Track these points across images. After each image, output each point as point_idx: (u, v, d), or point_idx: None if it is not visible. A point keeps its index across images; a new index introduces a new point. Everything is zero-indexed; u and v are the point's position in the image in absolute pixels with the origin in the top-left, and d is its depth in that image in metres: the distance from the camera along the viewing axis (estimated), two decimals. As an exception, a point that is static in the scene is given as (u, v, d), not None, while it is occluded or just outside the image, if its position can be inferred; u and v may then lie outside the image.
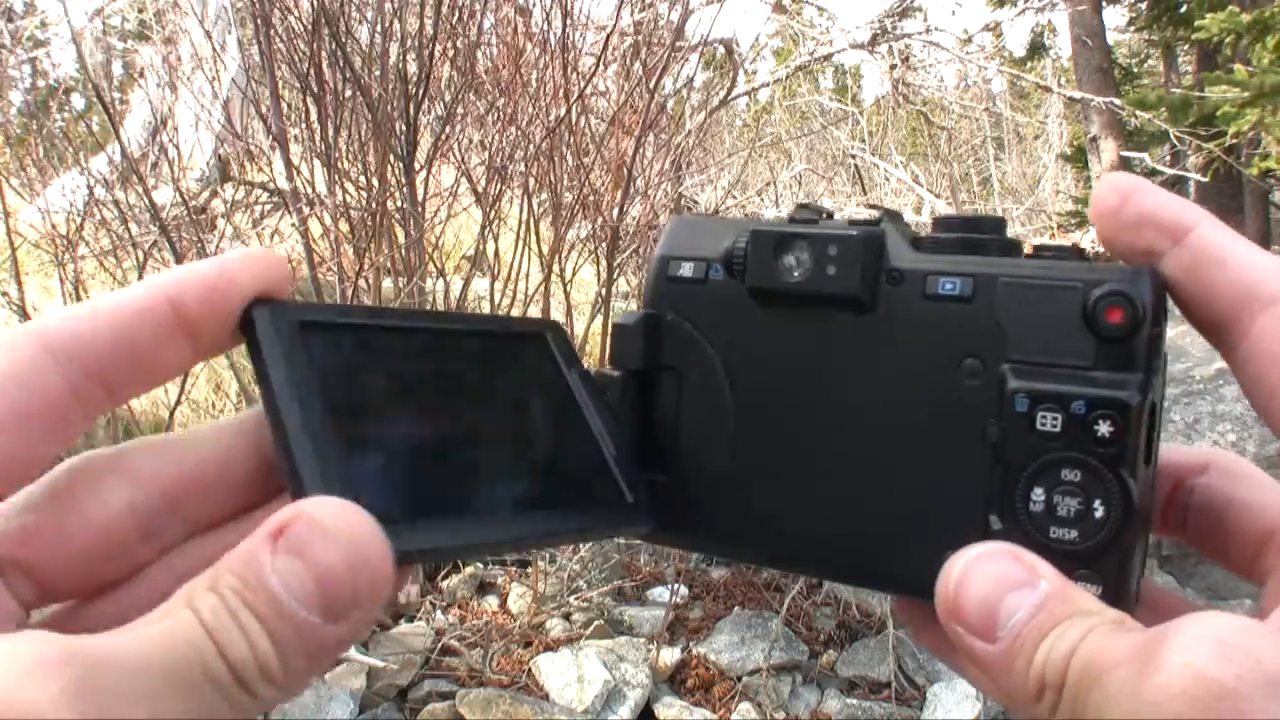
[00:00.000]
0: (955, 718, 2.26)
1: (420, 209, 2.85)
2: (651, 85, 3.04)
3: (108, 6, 5.00)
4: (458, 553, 0.34)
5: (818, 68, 8.73)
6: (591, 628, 2.40)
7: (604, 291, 3.05)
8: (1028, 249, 0.36)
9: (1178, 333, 3.33)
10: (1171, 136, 6.26)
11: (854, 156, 6.29)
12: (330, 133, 2.76)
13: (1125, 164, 7.09)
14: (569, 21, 2.96)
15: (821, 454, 0.37)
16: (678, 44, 3.22)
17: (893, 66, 5.86)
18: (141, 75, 4.49)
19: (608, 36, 3.12)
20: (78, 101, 6.69)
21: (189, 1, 3.89)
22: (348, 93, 2.84)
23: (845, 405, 0.36)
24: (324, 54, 2.70)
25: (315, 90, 2.71)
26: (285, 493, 0.33)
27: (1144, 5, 8.61)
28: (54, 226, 2.85)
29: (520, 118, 2.96)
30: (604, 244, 3.03)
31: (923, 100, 7.44)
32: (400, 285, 2.80)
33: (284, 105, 2.98)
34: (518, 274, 3.09)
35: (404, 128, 2.74)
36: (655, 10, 3.52)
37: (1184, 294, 0.33)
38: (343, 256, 2.67)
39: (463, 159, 3.10)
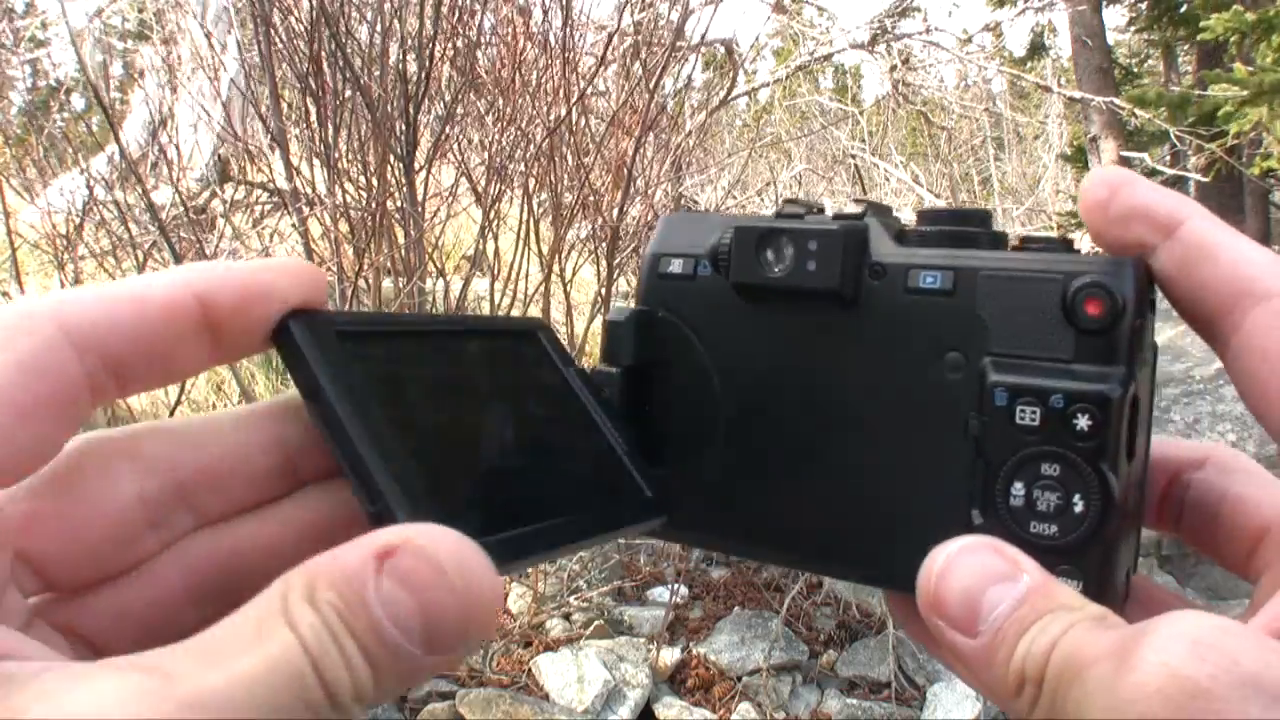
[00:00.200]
0: (955, 718, 2.26)
1: (420, 209, 2.85)
2: (651, 85, 3.04)
3: (108, 7, 5.00)
4: (526, 566, 0.34)
5: (818, 68, 8.73)
6: (591, 628, 2.40)
7: (604, 291, 3.05)
8: (1015, 241, 0.35)
9: (1177, 333, 3.33)
10: (1172, 136, 6.26)
11: (854, 156, 6.29)
12: (330, 133, 2.76)
13: (1125, 164, 7.08)
14: (569, 22, 2.96)
15: (807, 449, 0.37)
16: (678, 44, 3.22)
17: (893, 67, 5.86)
18: (141, 75, 4.49)
19: (608, 37, 3.11)
20: (78, 102, 6.70)
21: (189, 1, 3.89)
22: (347, 93, 2.84)
23: (830, 400, 0.36)
24: (324, 54, 2.70)
25: (315, 90, 2.71)
26: (305, 487, 0.33)
27: (1144, 5, 8.61)
28: (54, 227, 2.85)
29: (520, 118, 2.96)
30: (604, 244, 3.03)
31: (923, 100, 7.44)
32: (400, 285, 2.80)
33: (284, 105, 2.98)
34: (518, 274, 3.09)
35: (404, 128, 2.73)
36: (655, 10, 3.52)
37: (1175, 289, 0.32)
38: (342, 256, 2.67)
39: (463, 159, 3.10)
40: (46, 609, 0.28)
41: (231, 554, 0.31)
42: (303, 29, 2.75)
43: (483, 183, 3.01)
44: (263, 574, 0.32)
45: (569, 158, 3.12)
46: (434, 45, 2.78)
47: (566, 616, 2.49)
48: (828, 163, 7.05)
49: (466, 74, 3.03)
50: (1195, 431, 3.17)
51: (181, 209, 2.89)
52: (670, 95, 3.61)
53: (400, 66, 2.76)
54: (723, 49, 4.90)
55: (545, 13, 3.12)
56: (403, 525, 0.25)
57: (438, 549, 0.25)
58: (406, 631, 0.24)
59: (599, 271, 3.11)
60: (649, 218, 3.27)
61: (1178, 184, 6.79)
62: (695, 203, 4.42)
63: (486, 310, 3.07)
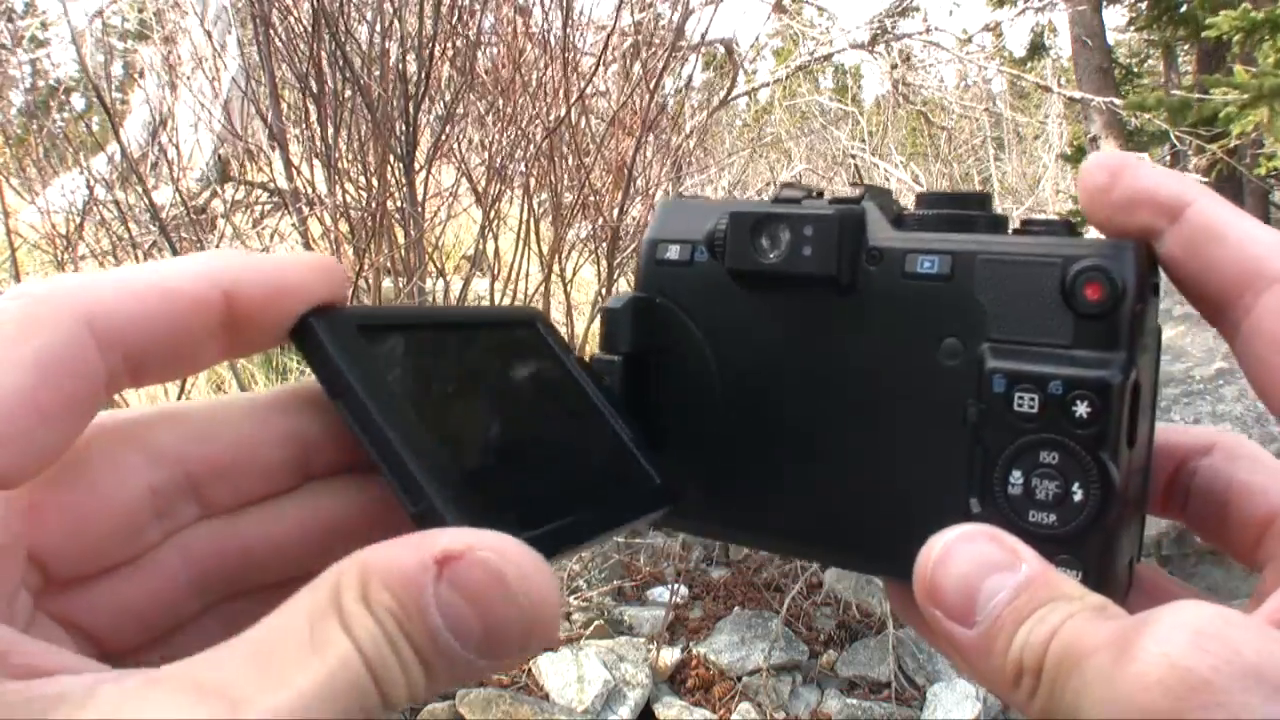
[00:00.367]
0: (955, 718, 2.26)
1: (420, 209, 2.85)
2: (652, 85, 3.03)
3: (108, 7, 5.00)
4: (561, 560, 0.34)
5: (818, 68, 8.73)
6: (591, 628, 2.40)
7: (604, 291, 3.05)
8: (1016, 224, 0.35)
9: (1177, 333, 3.33)
10: (1172, 137, 6.26)
11: (854, 156, 6.29)
12: (330, 133, 2.76)
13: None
14: (569, 21, 2.96)
15: (804, 436, 0.36)
16: (678, 44, 3.22)
17: (894, 66, 5.85)
18: (141, 75, 4.49)
19: (608, 36, 3.11)
20: (78, 102, 6.70)
21: (189, 1, 3.89)
22: (347, 93, 2.84)
23: (827, 387, 0.36)
24: (324, 54, 2.70)
25: (315, 90, 2.71)
26: (315, 480, 0.33)
27: (1144, 5, 8.61)
28: (54, 226, 2.85)
29: (520, 117, 2.96)
30: (604, 244, 3.03)
31: (923, 100, 7.44)
32: (400, 285, 2.79)
33: (284, 105, 2.98)
34: (518, 274, 3.08)
35: (404, 128, 2.73)
36: (655, 10, 3.52)
37: (1182, 273, 0.31)
38: (342, 256, 2.67)
39: (463, 159, 3.10)
40: (43, 600, 0.27)
41: (237, 546, 0.31)
42: (302, 29, 2.75)
43: (483, 183, 3.01)
44: (268, 567, 0.31)
45: (569, 158, 3.12)
46: (434, 45, 2.78)
47: (566, 616, 2.49)
48: (828, 163, 7.05)
49: (466, 74, 3.03)
50: (1195, 431, 3.16)
51: (182, 209, 2.89)
52: (670, 95, 3.61)
53: (400, 66, 2.76)
54: (723, 49, 4.90)
55: (545, 12, 3.12)
56: (460, 530, 0.25)
57: (503, 561, 0.24)
58: (464, 639, 0.24)
59: (599, 271, 3.11)
60: (649, 218, 3.27)
61: (1178, 184, 6.74)
62: (695, 203, 4.41)
63: (486, 310, 3.07)
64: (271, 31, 2.71)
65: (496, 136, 2.97)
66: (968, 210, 0.35)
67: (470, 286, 3.07)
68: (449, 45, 2.98)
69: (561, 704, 2.14)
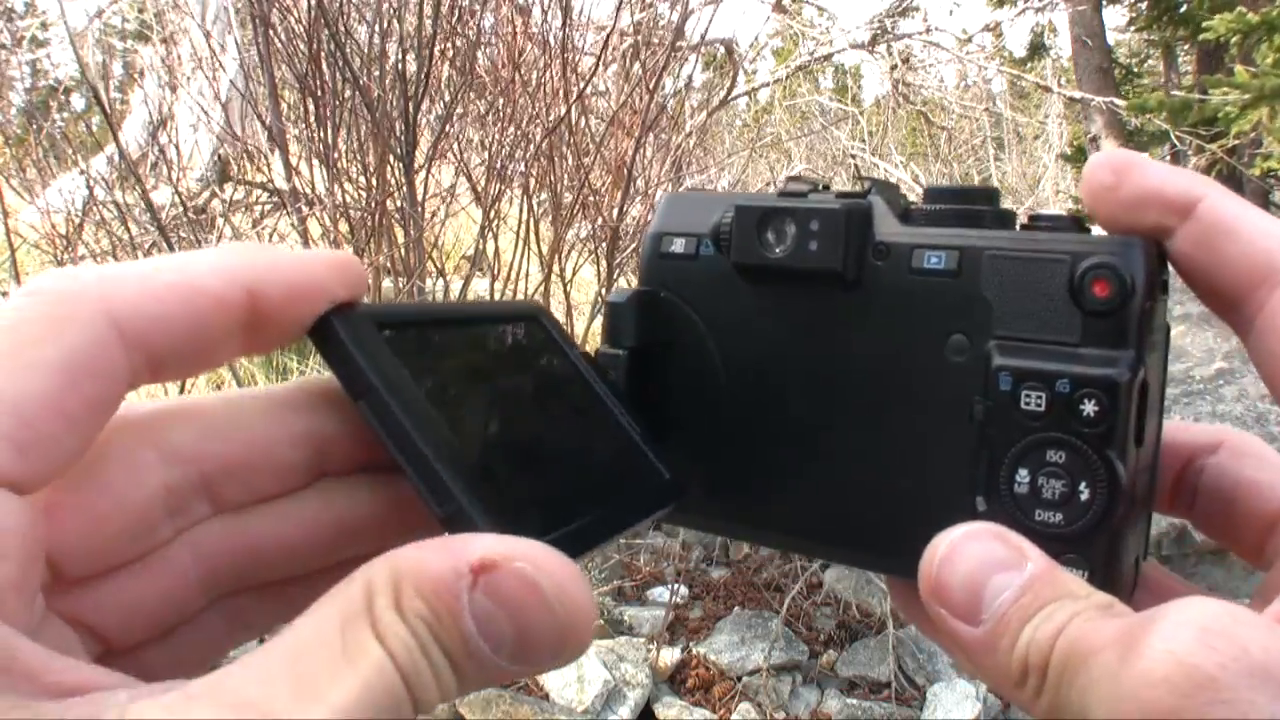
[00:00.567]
0: (955, 718, 2.26)
1: (420, 209, 2.85)
2: (651, 85, 3.03)
3: (108, 7, 5.00)
4: (584, 560, 0.34)
5: (818, 68, 8.73)
6: (591, 628, 2.40)
7: (604, 291, 3.05)
8: (1023, 219, 0.34)
9: (1177, 333, 3.33)
10: (1172, 137, 6.26)
11: (854, 156, 6.29)
12: (329, 133, 2.76)
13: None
14: (569, 21, 2.96)
15: (810, 432, 0.36)
16: (677, 44, 3.22)
17: (893, 67, 5.85)
18: (141, 75, 4.49)
19: (607, 36, 3.11)
20: (78, 102, 6.70)
21: (189, 2, 3.89)
22: (347, 93, 2.84)
23: (833, 383, 0.36)
24: (323, 54, 2.70)
25: (314, 90, 2.71)
26: (327, 478, 0.32)
27: (1144, 5, 8.61)
28: (54, 227, 2.85)
29: (520, 117, 2.96)
30: (604, 244, 3.03)
31: (923, 100, 7.44)
32: (400, 285, 2.79)
33: (283, 105, 2.98)
34: (518, 274, 3.08)
35: (403, 127, 2.73)
36: (655, 10, 3.52)
37: (1194, 270, 0.31)
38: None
39: (462, 159, 3.10)
40: (51, 599, 0.27)
41: (247, 543, 0.31)
42: (302, 29, 2.75)
43: (482, 182, 3.01)
44: (276, 564, 0.31)
45: (569, 157, 3.12)
46: (433, 45, 2.78)
47: (566, 617, 2.49)
48: (828, 163, 7.05)
49: (466, 74, 3.03)
50: (1195, 431, 3.16)
51: (181, 209, 2.89)
52: (670, 95, 3.61)
53: (400, 66, 2.76)
54: (723, 49, 4.90)
55: (545, 12, 3.12)
56: (494, 538, 0.25)
57: (538, 571, 0.24)
58: (498, 646, 0.24)
59: (599, 271, 3.11)
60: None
61: (1178, 184, 6.75)
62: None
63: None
64: (271, 32, 2.71)
65: (496, 136, 2.97)
66: (975, 205, 0.34)
67: (470, 286, 3.07)
68: (448, 45, 2.98)
69: (561, 704, 2.14)
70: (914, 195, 0.37)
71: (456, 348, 0.35)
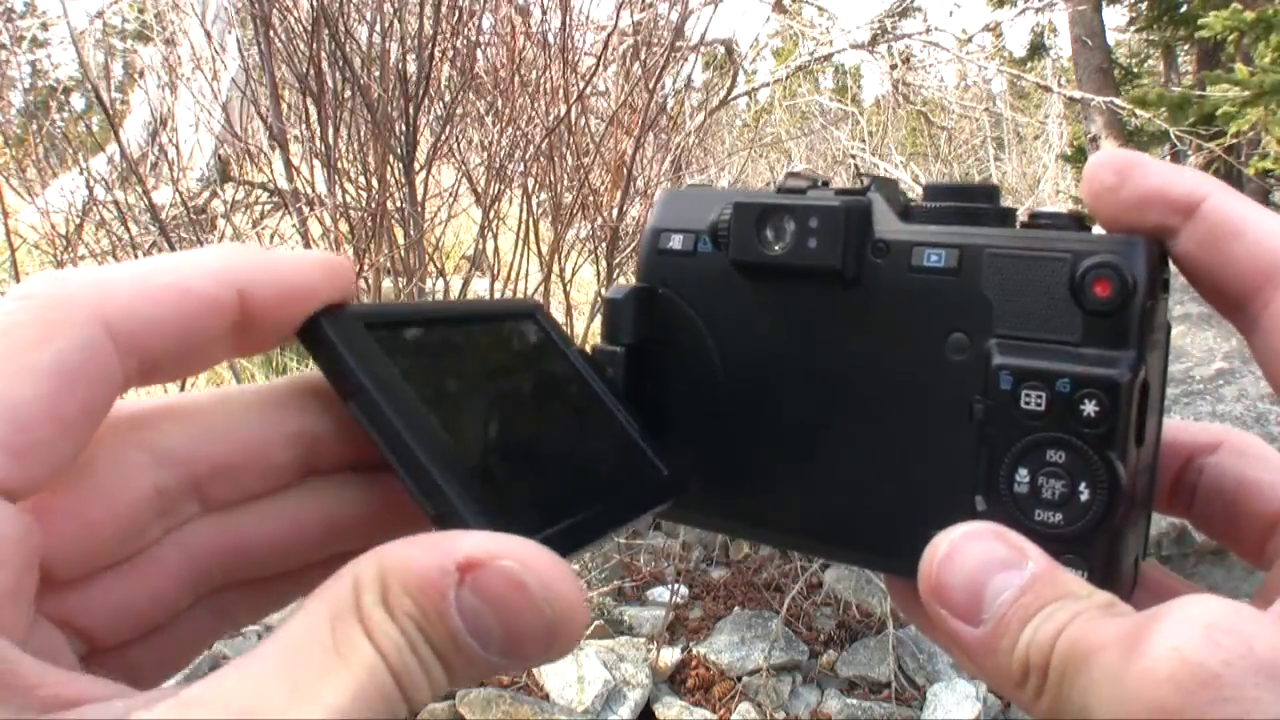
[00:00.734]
0: (955, 718, 2.26)
1: (420, 209, 2.85)
2: (651, 85, 3.03)
3: (108, 8, 5.00)
4: (578, 556, 0.34)
5: (818, 68, 8.73)
6: (591, 628, 2.40)
7: (604, 291, 3.05)
8: (1024, 216, 0.34)
9: (1177, 333, 3.32)
10: (1172, 136, 6.26)
11: (854, 156, 6.29)
12: (330, 133, 2.76)
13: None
14: (568, 21, 2.96)
15: (808, 431, 0.36)
16: (677, 44, 3.22)
17: (893, 67, 5.85)
18: (141, 75, 4.49)
19: (608, 36, 3.11)
20: (78, 102, 6.70)
21: (189, 2, 3.89)
22: (347, 93, 2.84)
23: (832, 380, 0.35)
24: (323, 54, 2.70)
25: (315, 90, 2.71)
26: (316, 476, 0.32)
27: (1144, 5, 8.61)
28: (54, 227, 2.85)
29: (520, 118, 2.96)
30: (604, 244, 3.03)
31: (923, 100, 7.44)
32: (400, 285, 2.80)
33: (284, 105, 2.98)
34: (517, 274, 3.09)
35: (404, 128, 2.73)
36: (655, 10, 3.52)
37: (1198, 269, 0.31)
38: (342, 256, 2.67)
39: (462, 159, 3.10)
40: (40, 601, 0.26)
41: (236, 541, 0.31)
42: (302, 29, 2.75)
43: (482, 183, 3.01)
44: (265, 561, 0.31)
45: (568, 158, 3.12)
46: (434, 45, 2.78)
47: (566, 616, 2.49)
48: (828, 163, 7.05)
49: (466, 74, 3.03)
50: (1195, 431, 3.16)
51: (181, 209, 2.89)
52: (670, 95, 3.61)
53: (400, 67, 2.76)
54: (723, 49, 4.90)
55: (545, 13, 3.12)
56: (481, 535, 0.25)
57: (524, 569, 0.24)
58: (486, 643, 0.24)
59: (599, 271, 3.11)
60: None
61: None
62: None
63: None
64: (271, 32, 2.71)
65: (496, 136, 2.97)
66: (975, 203, 0.34)
67: (470, 286, 3.07)
68: (449, 45, 2.98)
69: (561, 704, 2.14)
70: (914, 194, 0.37)
71: (450, 347, 0.35)
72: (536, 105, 3.01)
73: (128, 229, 2.89)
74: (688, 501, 0.38)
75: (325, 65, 2.73)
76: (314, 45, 2.66)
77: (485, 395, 0.35)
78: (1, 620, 0.23)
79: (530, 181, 2.96)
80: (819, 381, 0.36)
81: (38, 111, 3.96)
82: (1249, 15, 5.67)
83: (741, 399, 0.37)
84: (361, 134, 2.92)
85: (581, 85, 2.99)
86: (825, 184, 0.37)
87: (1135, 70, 11.53)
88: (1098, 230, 0.32)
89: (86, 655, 0.28)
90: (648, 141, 3.21)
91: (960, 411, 0.32)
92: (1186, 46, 9.11)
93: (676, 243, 0.38)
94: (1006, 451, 0.31)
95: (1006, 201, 0.36)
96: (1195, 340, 3.29)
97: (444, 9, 2.85)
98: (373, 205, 2.72)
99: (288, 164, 2.75)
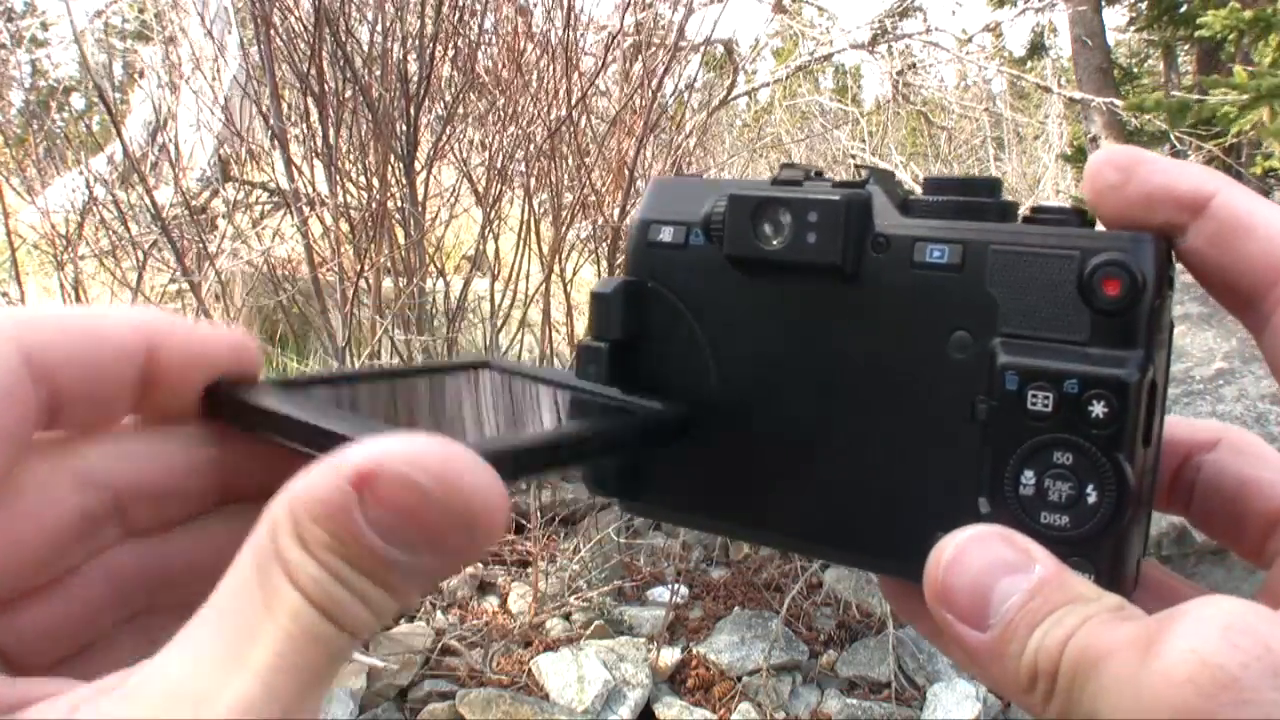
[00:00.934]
0: (955, 718, 2.26)
1: (421, 209, 2.85)
2: (653, 86, 3.03)
3: (108, 8, 5.00)
4: (537, 456, 0.31)
5: (818, 68, 8.73)
6: (591, 628, 2.40)
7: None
8: (1025, 210, 0.33)
9: (1177, 333, 3.32)
10: (1171, 137, 6.26)
11: (854, 157, 6.29)
12: (331, 133, 2.76)
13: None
14: (570, 21, 2.96)
15: (806, 428, 0.35)
16: (679, 45, 3.22)
17: (899, 72, 5.85)
18: (142, 75, 4.49)
19: (609, 36, 3.11)
20: (78, 101, 6.69)
21: (189, 1, 3.89)
22: (348, 92, 2.84)
23: (830, 378, 0.34)
24: (324, 54, 2.70)
25: (315, 90, 2.71)
26: (237, 503, 0.32)
27: (1144, 5, 8.61)
28: (54, 226, 2.85)
29: (521, 118, 2.96)
30: (605, 244, 3.03)
31: (923, 100, 7.44)
32: (400, 285, 2.80)
33: (284, 105, 2.98)
34: (518, 274, 3.09)
35: (404, 128, 2.73)
36: (655, 11, 3.52)
37: (1207, 266, 0.30)
38: (343, 257, 2.67)
39: (463, 159, 3.10)
40: None
41: (159, 566, 0.30)
42: (303, 29, 2.75)
43: (483, 183, 3.01)
44: (188, 586, 0.30)
45: (569, 158, 3.12)
46: (435, 45, 2.78)
47: (566, 616, 2.49)
48: (828, 163, 7.05)
49: (467, 74, 3.03)
50: (1195, 432, 3.16)
51: (182, 208, 2.89)
52: (671, 95, 3.61)
53: (401, 66, 2.76)
54: (723, 49, 4.90)
55: (547, 12, 3.12)
56: (367, 443, 0.23)
57: (415, 469, 0.22)
58: (411, 549, 0.23)
59: (599, 271, 3.11)
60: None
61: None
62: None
63: (487, 310, 3.07)
64: (272, 31, 2.71)
65: (497, 136, 2.97)
66: (977, 197, 0.33)
67: (470, 286, 3.07)
68: (450, 45, 2.98)
69: (561, 704, 2.14)
70: (922, 179, 0.36)
71: (378, 389, 0.34)
72: (538, 105, 3.01)
73: (128, 229, 2.89)
74: (681, 502, 0.37)
75: (326, 65, 2.73)
76: (315, 45, 2.66)
77: (426, 410, 0.34)
78: None
79: (531, 181, 2.96)
80: (816, 379, 0.35)
81: (38, 111, 3.96)
82: (1247, 14, 5.66)
83: (735, 395, 0.36)
84: (362, 134, 2.92)
85: (583, 85, 2.99)
86: (819, 174, 0.36)
87: (1135, 70, 11.52)
88: (1099, 225, 0.32)
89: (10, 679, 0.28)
90: (649, 141, 3.21)
91: (963, 411, 0.32)
92: (1186, 46, 9.11)
93: (667, 235, 0.37)
94: (1012, 453, 0.30)
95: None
96: (1195, 340, 3.29)
97: (445, 9, 2.85)
98: (373, 205, 2.72)
99: (288, 163, 2.75)
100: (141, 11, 4.83)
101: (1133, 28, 9.62)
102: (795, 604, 2.53)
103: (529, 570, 2.54)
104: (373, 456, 0.22)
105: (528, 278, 3.11)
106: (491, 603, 2.55)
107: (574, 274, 3.20)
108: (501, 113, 3.02)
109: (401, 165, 2.76)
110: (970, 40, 6.81)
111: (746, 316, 0.36)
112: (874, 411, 0.34)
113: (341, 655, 0.23)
